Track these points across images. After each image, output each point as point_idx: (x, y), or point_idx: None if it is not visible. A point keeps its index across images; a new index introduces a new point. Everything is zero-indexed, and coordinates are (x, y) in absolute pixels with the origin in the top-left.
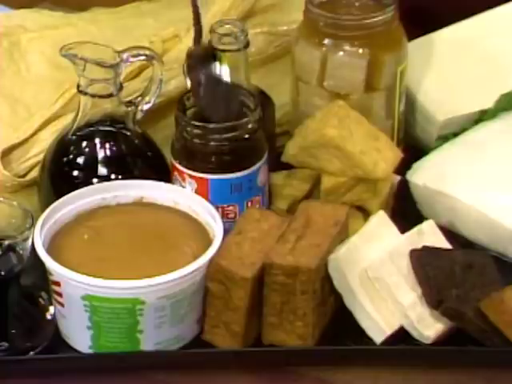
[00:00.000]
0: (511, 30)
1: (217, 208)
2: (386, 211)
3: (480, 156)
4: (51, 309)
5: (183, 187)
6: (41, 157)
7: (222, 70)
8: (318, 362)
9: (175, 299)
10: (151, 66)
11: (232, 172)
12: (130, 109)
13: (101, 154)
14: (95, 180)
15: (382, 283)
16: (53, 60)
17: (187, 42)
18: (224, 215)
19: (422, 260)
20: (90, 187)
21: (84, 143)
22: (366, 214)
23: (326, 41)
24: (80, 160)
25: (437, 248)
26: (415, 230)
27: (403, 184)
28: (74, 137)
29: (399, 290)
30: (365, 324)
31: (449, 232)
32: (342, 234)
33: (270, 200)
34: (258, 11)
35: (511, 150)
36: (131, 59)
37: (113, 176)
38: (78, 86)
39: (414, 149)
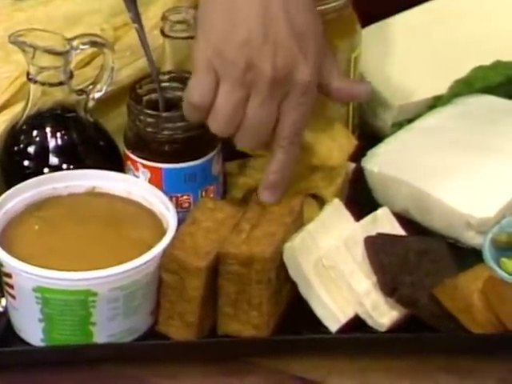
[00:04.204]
0: (465, 16)
1: (171, 198)
2: (340, 199)
3: (435, 142)
4: (3, 301)
5: (136, 177)
6: None
7: None
8: (274, 352)
9: (128, 290)
10: (102, 53)
11: (186, 161)
12: (81, 97)
13: (52, 144)
14: (46, 170)
15: (336, 271)
16: (3, 47)
17: None
18: (178, 205)
19: (377, 247)
20: (40, 177)
21: (35, 132)
22: (320, 202)
23: None
24: (31, 149)
25: (391, 235)
26: (370, 217)
27: (358, 171)
28: (24, 126)
29: (354, 278)
30: (320, 312)
31: (404, 219)
32: (297, 223)
33: (224, 189)
34: None
35: (465, 135)
36: (82, 47)
37: (64, 166)
38: (28, 74)
39: (368, 136)
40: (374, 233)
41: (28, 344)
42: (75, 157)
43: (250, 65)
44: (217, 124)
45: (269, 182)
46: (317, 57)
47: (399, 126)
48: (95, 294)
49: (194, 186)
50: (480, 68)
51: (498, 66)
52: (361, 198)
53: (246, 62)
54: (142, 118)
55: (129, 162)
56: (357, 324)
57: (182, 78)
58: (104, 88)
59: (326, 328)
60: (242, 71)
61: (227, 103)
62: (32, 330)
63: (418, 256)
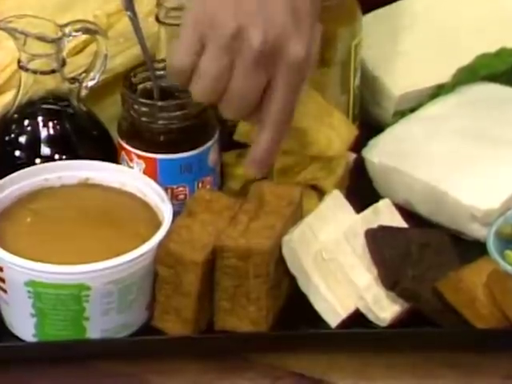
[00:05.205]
0: (469, 2)
1: (166, 189)
2: (340, 190)
3: (437, 132)
4: None
5: (131, 168)
6: None
7: None
8: (273, 348)
9: (123, 284)
10: (95, 41)
11: (181, 151)
12: (73, 86)
13: (44, 133)
14: (38, 160)
15: (336, 264)
16: None
17: None
18: (174, 197)
19: (378, 240)
20: (32, 168)
21: (26, 122)
22: (320, 193)
23: None
24: (22, 139)
25: (393, 227)
26: (371, 208)
27: (359, 162)
28: (15, 115)
29: (354, 271)
30: (319, 307)
31: (405, 211)
32: (296, 215)
33: (221, 180)
34: None
35: (469, 124)
36: (74, 34)
37: (56, 156)
38: (19, 62)
39: (369, 125)
40: (375, 225)
41: (19, 339)
42: (68, 147)
43: (240, 32)
44: (199, 89)
45: (255, 158)
46: (311, 35)
47: (401, 115)
48: (89, 288)
49: (190, 177)
50: (484, 55)
51: (502, 53)
52: (361, 189)
53: (236, 28)
54: (136, 107)
55: (123, 153)
56: (357, 319)
57: None
58: (97, 76)
59: (325, 323)
60: (230, 37)
61: (211, 68)
62: (24, 325)
63: (420, 249)
